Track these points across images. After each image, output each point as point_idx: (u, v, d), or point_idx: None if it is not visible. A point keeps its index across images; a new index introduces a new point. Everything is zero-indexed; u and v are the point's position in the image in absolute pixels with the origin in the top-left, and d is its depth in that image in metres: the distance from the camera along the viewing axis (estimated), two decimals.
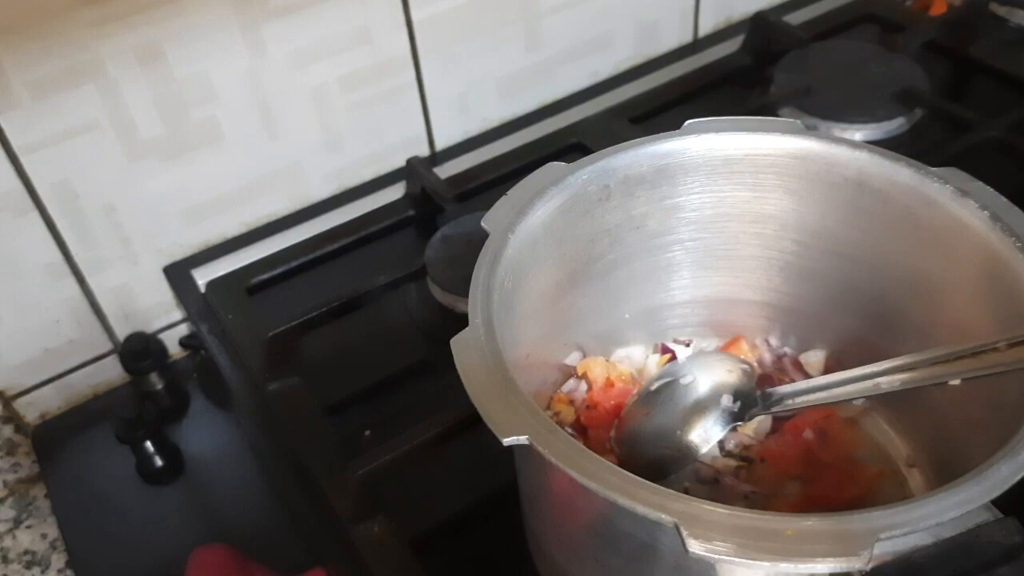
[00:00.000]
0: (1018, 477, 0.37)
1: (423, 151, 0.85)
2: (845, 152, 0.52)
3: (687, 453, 0.51)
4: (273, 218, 0.80)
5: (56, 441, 0.73)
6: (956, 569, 0.38)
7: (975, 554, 0.38)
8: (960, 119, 0.81)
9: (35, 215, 0.68)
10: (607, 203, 0.54)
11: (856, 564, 0.34)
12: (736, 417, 0.51)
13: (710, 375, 0.53)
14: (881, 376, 0.47)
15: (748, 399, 0.52)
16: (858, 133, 0.82)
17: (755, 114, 0.68)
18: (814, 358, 0.60)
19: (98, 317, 0.74)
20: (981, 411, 0.47)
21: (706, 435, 0.51)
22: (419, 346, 0.71)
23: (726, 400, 0.51)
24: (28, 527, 0.67)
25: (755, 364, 0.59)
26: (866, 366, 0.48)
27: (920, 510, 0.36)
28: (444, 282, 0.70)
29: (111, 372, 0.77)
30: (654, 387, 0.54)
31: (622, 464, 0.42)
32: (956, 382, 0.44)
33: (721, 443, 0.55)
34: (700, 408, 0.51)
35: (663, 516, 0.36)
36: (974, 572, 0.38)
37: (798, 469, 0.54)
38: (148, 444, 0.69)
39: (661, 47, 0.95)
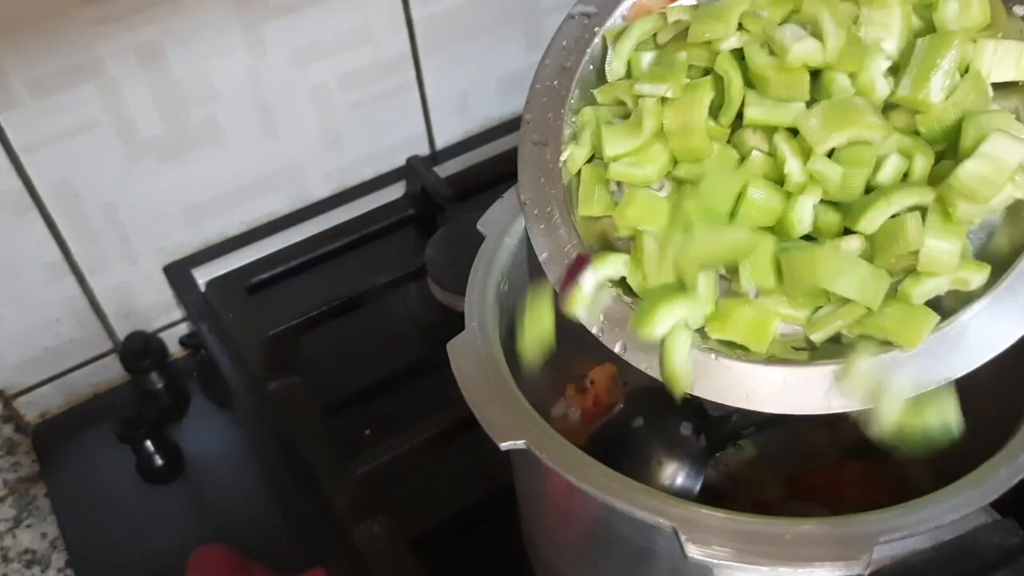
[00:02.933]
0: (1016, 479, 0.37)
1: (423, 150, 0.85)
2: None
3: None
4: (273, 217, 0.80)
5: (56, 440, 0.73)
6: (955, 572, 0.38)
7: (974, 556, 0.38)
8: None
9: (35, 214, 0.67)
10: None
11: (855, 568, 0.34)
12: (709, 451, 0.50)
13: (656, 414, 0.51)
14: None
15: (710, 429, 0.50)
16: None
17: None
18: None
19: (98, 316, 0.74)
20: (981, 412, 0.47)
21: (694, 475, 0.49)
22: (419, 346, 0.71)
23: (690, 436, 0.49)
24: (28, 526, 0.67)
25: None
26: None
27: (919, 513, 0.36)
28: (444, 281, 0.70)
29: (111, 371, 0.77)
30: (598, 429, 0.53)
31: None
32: None
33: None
34: (668, 450, 0.49)
35: (661, 520, 0.36)
36: (973, 574, 0.38)
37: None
38: (148, 443, 0.69)
39: None
